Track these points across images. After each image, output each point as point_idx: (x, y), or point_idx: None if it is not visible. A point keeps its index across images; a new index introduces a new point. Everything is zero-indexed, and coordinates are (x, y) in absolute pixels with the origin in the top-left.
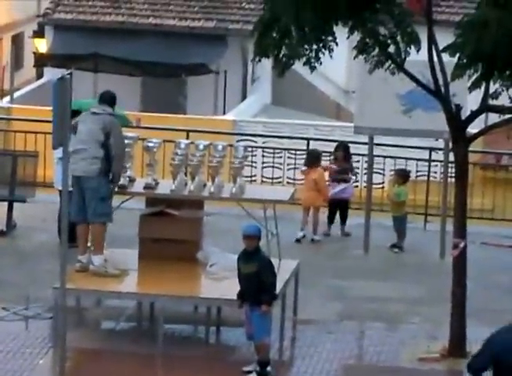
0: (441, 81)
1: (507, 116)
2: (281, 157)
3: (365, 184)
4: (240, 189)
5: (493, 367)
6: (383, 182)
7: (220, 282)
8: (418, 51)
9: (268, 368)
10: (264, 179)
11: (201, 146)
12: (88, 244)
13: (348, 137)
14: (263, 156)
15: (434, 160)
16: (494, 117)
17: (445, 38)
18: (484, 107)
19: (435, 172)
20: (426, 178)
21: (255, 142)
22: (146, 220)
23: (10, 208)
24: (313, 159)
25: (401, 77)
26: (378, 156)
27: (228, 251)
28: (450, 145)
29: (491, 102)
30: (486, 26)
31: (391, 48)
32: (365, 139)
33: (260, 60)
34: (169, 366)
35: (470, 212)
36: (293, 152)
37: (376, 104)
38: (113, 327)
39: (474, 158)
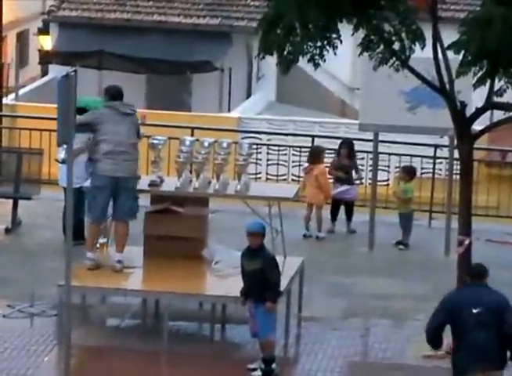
0: (446, 79)
1: None
2: (286, 154)
3: (369, 181)
4: (245, 186)
5: (450, 325)
6: (388, 180)
7: (225, 279)
8: (423, 48)
9: (273, 365)
10: (269, 177)
11: (206, 144)
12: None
13: (353, 134)
14: (268, 153)
15: (439, 158)
16: (499, 115)
17: (450, 35)
18: (489, 104)
19: (440, 169)
20: (431, 175)
21: (260, 139)
22: (151, 217)
23: (15, 206)
24: (315, 156)
25: (405, 75)
26: (383, 153)
27: (233, 249)
28: (455, 142)
29: (496, 99)
30: (491, 23)
31: (396, 45)
32: (370, 136)
33: (264, 57)
34: (174, 363)
35: (475, 209)
36: (298, 149)
37: (380, 101)
38: (118, 324)
39: (479, 155)
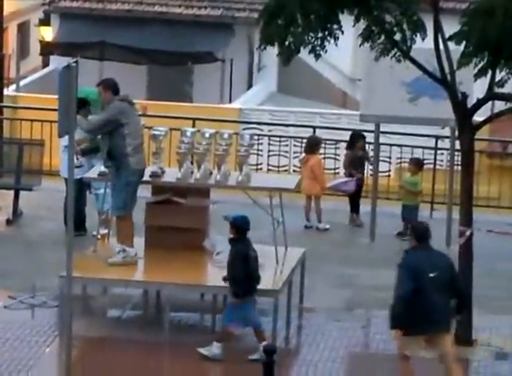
0: (447, 69)
1: None
2: (287, 145)
3: (371, 172)
4: (246, 177)
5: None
6: (389, 171)
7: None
8: (424, 39)
9: (215, 349)
10: (270, 167)
11: (207, 135)
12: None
13: (354, 125)
14: (269, 144)
15: (440, 149)
16: (500, 105)
17: (451, 26)
18: (491, 95)
19: (441, 160)
20: (432, 166)
21: (261, 130)
22: (152, 208)
23: (16, 197)
24: (311, 146)
25: (407, 65)
26: (384, 144)
27: None
28: (456, 133)
29: (497, 90)
30: (492, 14)
31: (397, 36)
32: (372, 127)
33: (265, 48)
34: (175, 354)
35: (476, 200)
36: (300, 140)
37: (382, 92)
38: (119, 315)
39: (480, 146)
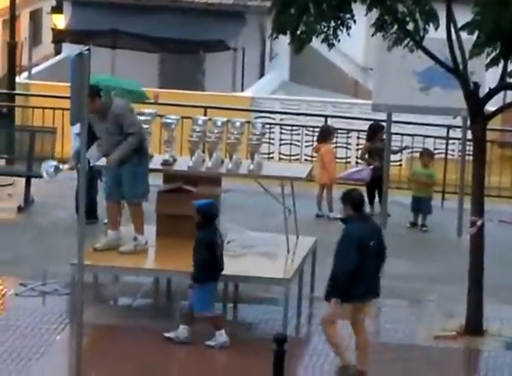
0: (459, 59)
1: None
2: (299, 134)
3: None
4: (258, 166)
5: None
6: (400, 160)
7: (237, 259)
8: (436, 28)
9: (220, 337)
10: (281, 156)
11: (219, 123)
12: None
13: (366, 114)
14: (281, 133)
15: (451, 138)
16: None
17: (463, 16)
18: (503, 85)
19: (453, 150)
20: (444, 156)
21: (273, 119)
22: (163, 196)
23: (28, 184)
24: (324, 135)
25: (419, 55)
26: (396, 133)
27: (246, 228)
28: (468, 123)
29: (509, 80)
30: (505, 3)
31: (410, 26)
32: (383, 117)
33: (277, 37)
34: (186, 342)
35: (487, 190)
36: (311, 129)
37: (394, 82)
38: (130, 303)
39: (492, 136)
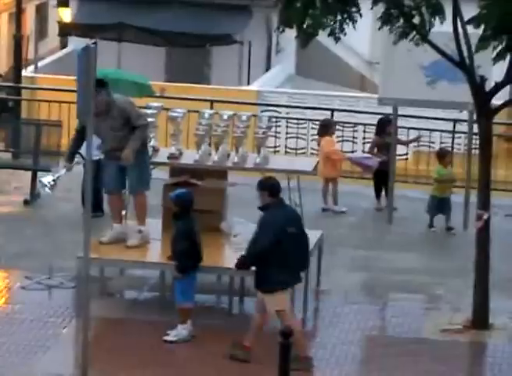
0: (465, 53)
1: None
2: (305, 127)
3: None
4: (264, 159)
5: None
6: (406, 154)
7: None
8: (442, 22)
9: (183, 331)
10: (287, 150)
11: (225, 117)
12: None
13: (372, 108)
14: (287, 126)
15: (458, 132)
16: None
17: (470, 9)
18: (509, 79)
19: (459, 144)
20: (450, 150)
21: (279, 112)
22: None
23: (34, 178)
24: (324, 128)
25: (425, 49)
26: (402, 127)
27: (252, 222)
28: (474, 116)
29: None
30: None
31: (416, 20)
32: (390, 111)
33: (284, 31)
34: (192, 335)
35: (494, 184)
36: (317, 123)
37: (400, 75)
38: (136, 296)
39: (499, 130)
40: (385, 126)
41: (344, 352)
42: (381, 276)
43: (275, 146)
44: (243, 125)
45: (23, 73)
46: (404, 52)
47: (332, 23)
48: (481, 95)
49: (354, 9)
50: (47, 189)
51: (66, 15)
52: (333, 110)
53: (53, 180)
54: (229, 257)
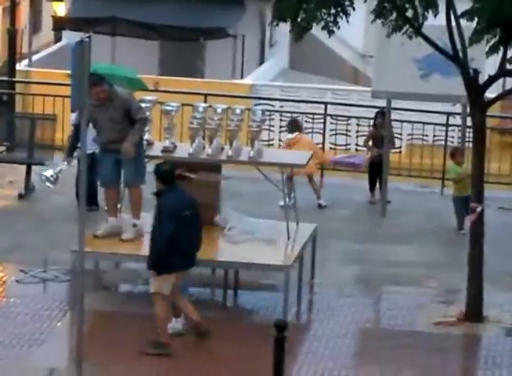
0: (459, 46)
1: None
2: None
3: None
4: (258, 152)
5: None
6: (400, 147)
7: (238, 245)
8: (435, 16)
9: (176, 324)
10: (281, 143)
11: (219, 110)
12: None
13: (366, 101)
14: (281, 120)
15: (451, 125)
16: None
17: (463, 3)
18: (502, 72)
19: (453, 137)
20: (443, 142)
21: (273, 106)
22: None
23: (28, 171)
24: (291, 128)
25: (418, 42)
26: (395, 120)
27: (246, 215)
28: (468, 109)
29: (508, 66)
30: None
31: (409, 13)
32: (383, 104)
33: (278, 24)
34: (186, 328)
35: (487, 177)
36: (311, 116)
37: (393, 68)
38: (130, 289)
39: (492, 123)
40: (378, 118)
41: (338, 345)
42: (375, 269)
43: (268, 140)
44: (237, 119)
45: (17, 67)
46: (397, 46)
47: (326, 16)
48: (475, 89)
49: (347, 3)
50: (49, 184)
51: (60, 9)
52: (326, 104)
53: (55, 173)
54: (224, 250)
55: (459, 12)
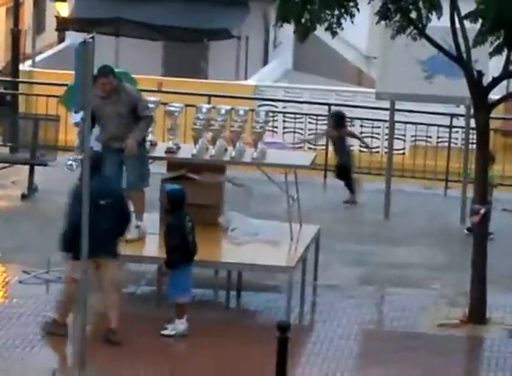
0: (463, 48)
1: None
2: (302, 122)
3: (386, 150)
4: (261, 153)
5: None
6: (403, 149)
7: (241, 246)
8: (439, 17)
9: (181, 326)
10: None
11: (223, 111)
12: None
13: (370, 103)
14: (284, 121)
15: (455, 127)
16: None
17: (467, 4)
18: (506, 74)
19: (456, 139)
20: (447, 144)
21: (276, 107)
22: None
23: (32, 172)
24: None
25: (422, 43)
26: (399, 122)
27: (250, 216)
28: (471, 111)
29: None
30: None
31: (413, 14)
32: (387, 105)
33: (282, 25)
34: (189, 330)
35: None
36: (315, 117)
37: (397, 70)
38: (133, 290)
39: (496, 125)
40: (341, 119)
41: (341, 347)
42: (378, 271)
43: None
44: (241, 120)
45: (21, 67)
46: (401, 47)
47: (330, 17)
48: (479, 90)
49: (351, 4)
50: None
51: (64, 9)
52: (330, 105)
53: (74, 160)
54: (227, 251)
55: (463, 14)
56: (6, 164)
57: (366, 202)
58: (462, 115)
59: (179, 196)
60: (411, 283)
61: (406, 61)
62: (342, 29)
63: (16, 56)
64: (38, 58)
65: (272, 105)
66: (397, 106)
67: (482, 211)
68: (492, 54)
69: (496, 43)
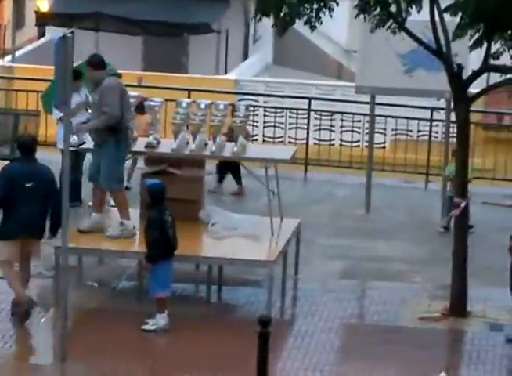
0: (442, 41)
1: (508, 76)
2: (282, 116)
3: (366, 144)
4: (242, 148)
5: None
6: (384, 142)
7: (221, 241)
8: (419, 11)
9: (162, 320)
10: (265, 139)
11: (203, 105)
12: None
13: (349, 96)
14: (264, 115)
15: (435, 120)
16: (495, 77)
17: None
18: (486, 67)
19: (437, 132)
20: (427, 138)
21: (257, 101)
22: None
23: None
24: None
25: (402, 37)
26: (379, 115)
27: (230, 211)
28: (452, 105)
29: (492, 62)
30: None
31: (393, 8)
32: (367, 99)
33: (261, 19)
34: (170, 324)
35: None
36: (295, 111)
37: (377, 64)
38: (114, 286)
39: (476, 118)
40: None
41: (322, 341)
42: (359, 265)
43: (252, 135)
44: (221, 114)
45: (0, 62)
46: (381, 41)
47: (308, 11)
48: (459, 84)
49: None
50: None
51: (44, 4)
52: (310, 99)
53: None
54: (208, 246)
55: (442, 7)
56: None
57: (347, 196)
58: (442, 109)
59: (159, 190)
60: (392, 277)
61: (386, 55)
62: (321, 23)
63: None
64: (18, 53)
65: (252, 99)
66: (377, 100)
67: (463, 204)
68: (471, 47)
69: (476, 36)
